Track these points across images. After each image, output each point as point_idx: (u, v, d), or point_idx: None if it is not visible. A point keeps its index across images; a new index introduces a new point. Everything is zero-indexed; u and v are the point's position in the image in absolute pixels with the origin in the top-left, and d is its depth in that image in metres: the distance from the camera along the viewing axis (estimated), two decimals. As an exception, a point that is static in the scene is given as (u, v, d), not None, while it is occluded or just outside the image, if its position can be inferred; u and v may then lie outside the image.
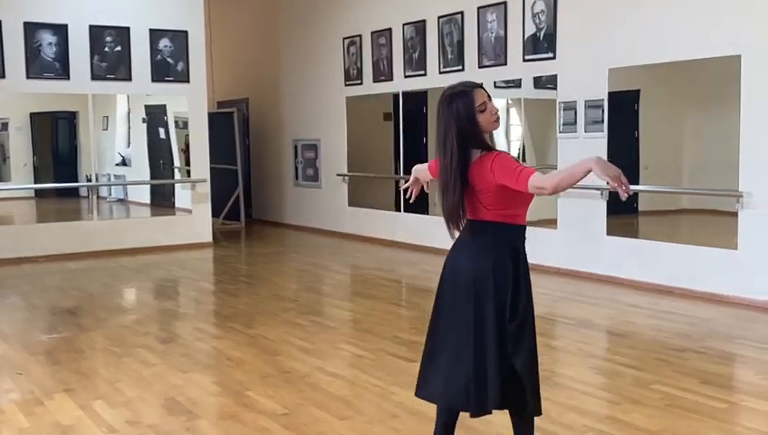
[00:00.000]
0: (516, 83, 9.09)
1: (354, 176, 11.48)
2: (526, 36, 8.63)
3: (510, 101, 9.58)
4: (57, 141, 11.62)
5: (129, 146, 11.95)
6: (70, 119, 11.15)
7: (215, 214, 13.29)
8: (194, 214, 11.06)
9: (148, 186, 12.06)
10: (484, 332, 3.08)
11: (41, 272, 9.01)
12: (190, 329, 6.16)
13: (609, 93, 7.85)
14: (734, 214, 6.73)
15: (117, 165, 12.04)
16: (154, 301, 7.51)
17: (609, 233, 7.91)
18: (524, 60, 8.69)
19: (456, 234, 3.19)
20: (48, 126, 11.71)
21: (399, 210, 10.70)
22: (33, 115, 11.26)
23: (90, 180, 10.98)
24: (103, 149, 11.62)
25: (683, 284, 7.12)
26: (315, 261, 9.63)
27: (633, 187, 7.72)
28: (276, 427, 4.03)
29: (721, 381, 4.70)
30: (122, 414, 4.24)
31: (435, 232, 9.99)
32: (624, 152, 8.19)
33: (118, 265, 9.41)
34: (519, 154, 9.36)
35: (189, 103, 10.97)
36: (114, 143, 11.86)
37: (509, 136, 9.46)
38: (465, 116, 3.08)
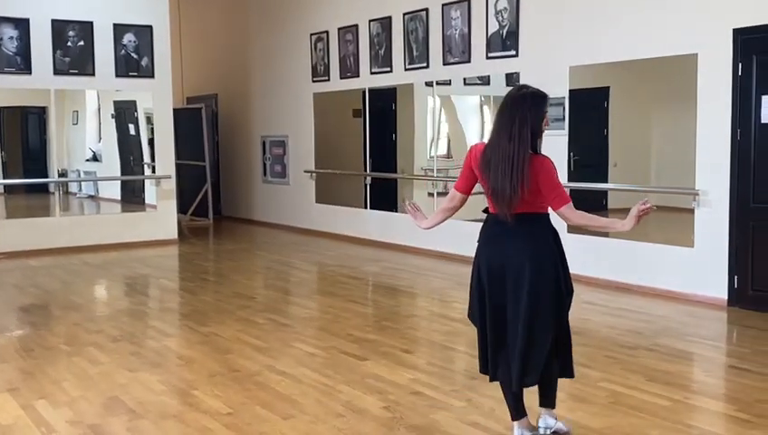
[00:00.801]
0: (485, 80, 9.09)
1: (322, 172, 11.44)
2: (490, 34, 8.63)
3: (482, 99, 9.58)
4: (27, 136, 11.46)
5: (99, 141, 11.81)
6: (39, 114, 10.98)
7: (183, 210, 13.23)
8: (159, 210, 10.97)
9: (119, 182, 11.90)
10: (548, 311, 3.57)
11: (2, 268, 8.89)
12: (143, 327, 6.10)
13: (579, 90, 7.87)
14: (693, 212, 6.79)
15: (87, 160, 11.90)
16: (111, 299, 7.45)
17: (569, 230, 7.92)
18: (488, 57, 8.69)
19: (507, 218, 3.51)
20: (17, 121, 11.54)
21: (366, 207, 10.68)
22: (1, 109, 11.09)
23: (62, 176, 10.91)
24: (73, 145, 11.51)
25: (640, 281, 7.16)
26: (280, 258, 9.59)
27: (601, 184, 7.79)
28: (218, 426, 4.00)
29: (667, 378, 4.72)
30: (64, 414, 4.19)
31: (400, 229, 10.03)
32: (593, 149, 8.21)
33: (80, 263, 9.32)
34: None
35: (154, 99, 10.87)
36: (85, 138, 11.72)
37: (483, 134, 9.43)
38: (538, 117, 3.49)
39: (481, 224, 3.74)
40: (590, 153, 8.25)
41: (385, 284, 8.13)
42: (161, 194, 10.97)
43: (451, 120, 10.02)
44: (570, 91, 7.84)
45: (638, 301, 6.82)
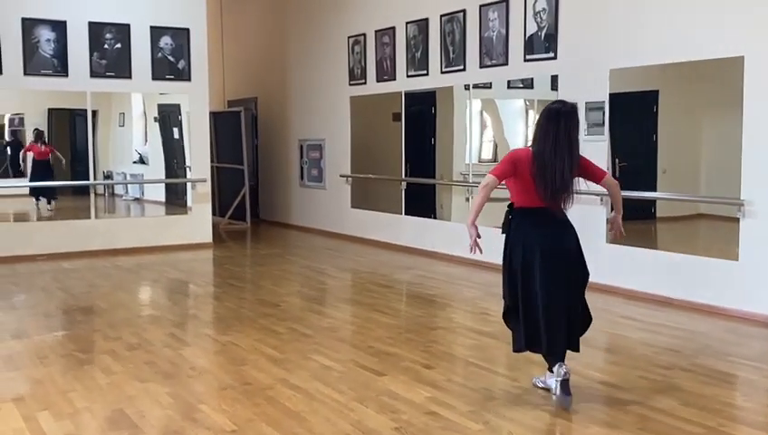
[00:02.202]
0: (528, 84, 8.79)
1: (357, 177, 11.27)
2: (528, 35, 8.35)
3: (528, 103, 9.25)
4: (75, 138, 11.49)
5: (145, 144, 11.81)
6: (86, 116, 11.01)
7: (222, 214, 13.21)
8: (194, 213, 10.93)
9: (163, 184, 11.84)
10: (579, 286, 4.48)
11: (34, 272, 8.92)
12: (162, 335, 5.98)
13: (625, 94, 7.55)
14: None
15: (134, 163, 11.91)
16: (135, 304, 7.36)
17: (608, 241, 7.60)
18: (525, 60, 8.41)
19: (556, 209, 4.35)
20: (66, 122, 11.59)
21: (402, 213, 10.46)
22: (50, 111, 11.13)
23: (107, 178, 10.95)
24: (119, 147, 11.53)
25: (681, 295, 6.81)
26: (312, 264, 9.44)
27: (646, 193, 7.41)
28: (219, 445, 3.84)
29: (703, 402, 4.40)
30: (64, 427, 4.06)
31: (435, 236, 9.80)
32: (642, 156, 7.85)
33: (112, 266, 9.30)
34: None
35: (190, 102, 10.83)
36: (131, 141, 11.73)
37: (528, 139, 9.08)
38: (578, 127, 4.35)
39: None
40: (639, 160, 7.89)
41: (414, 293, 7.91)
42: (197, 197, 10.92)
43: (495, 124, 9.71)
44: (615, 94, 7.51)
45: (678, 316, 6.47)
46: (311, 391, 4.63)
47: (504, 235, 4.53)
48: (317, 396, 4.54)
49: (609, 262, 7.55)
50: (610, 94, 7.51)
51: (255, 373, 4.96)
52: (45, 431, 4.01)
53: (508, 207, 4.50)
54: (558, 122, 4.23)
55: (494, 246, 8.95)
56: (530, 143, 4.45)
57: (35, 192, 10.88)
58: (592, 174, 4.46)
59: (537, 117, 4.55)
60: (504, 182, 4.40)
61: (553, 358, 4.37)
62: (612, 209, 4.70)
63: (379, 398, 4.49)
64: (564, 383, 4.31)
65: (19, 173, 10.95)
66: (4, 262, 9.37)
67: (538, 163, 4.25)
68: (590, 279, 4.59)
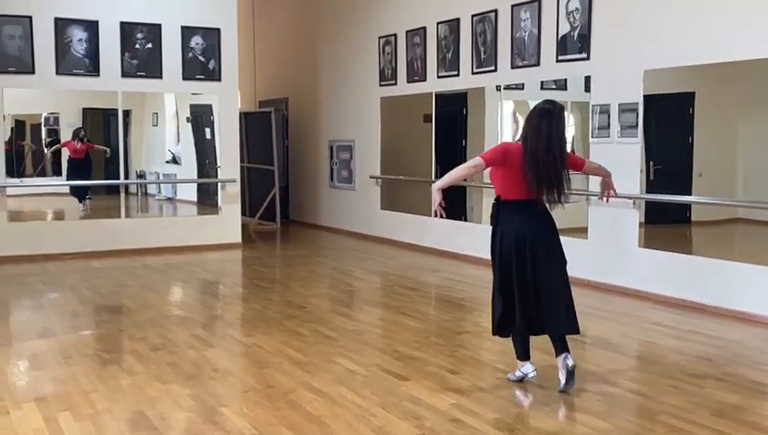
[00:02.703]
0: (561, 85, 8.64)
1: (387, 178, 11.20)
2: (560, 36, 8.22)
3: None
4: (109, 138, 11.56)
5: (178, 144, 11.85)
6: (123, 116, 11.07)
7: (251, 214, 13.22)
8: (223, 214, 10.93)
9: (195, 184, 11.87)
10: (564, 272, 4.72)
11: (63, 270, 8.97)
12: (186, 336, 5.95)
13: (660, 96, 7.39)
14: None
15: (167, 162, 11.96)
16: (162, 303, 7.34)
17: (644, 244, 7.44)
18: (558, 60, 8.27)
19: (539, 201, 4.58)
20: (100, 122, 11.66)
21: (430, 215, 10.36)
22: (85, 111, 11.21)
23: (140, 177, 11.02)
24: (152, 147, 11.59)
25: (714, 301, 6.63)
26: (339, 266, 9.38)
27: (681, 197, 7.23)
28: (238, 449, 3.78)
29: (735, 414, 4.25)
30: (84, 429, 4.04)
31: (465, 238, 9.69)
32: (677, 158, 7.67)
33: (141, 265, 9.33)
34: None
35: (220, 102, 10.83)
36: (164, 140, 11.79)
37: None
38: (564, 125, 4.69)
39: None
40: (674, 162, 7.72)
41: (442, 296, 7.81)
42: (226, 197, 10.93)
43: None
44: (649, 96, 7.34)
45: (711, 323, 6.30)
46: (333, 395, 4.57)
47: (493, 226, 4.72)
48: (339, 401, 4.47)
49: (639, 266, 7.40)
50: (645, 96, 7.35)
51: (278, 376, 4.91)
52: (65, 432, 3.98)
53: (495, 200, 4.71)
54: (550, 121, 4.47)
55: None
56: (517, 139, 4.77)
57: (71, 191, 10.94)
58: (575, 164, 4.77)
59: (527, 115, 4.68)
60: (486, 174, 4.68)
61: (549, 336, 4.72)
62: (602, 183, 4.99)
63: (402, 403, 4.41)
64: (571, 374, 4.52)
65: (57, 172, 11.06)
66: (35, 260, 9.45)
67: (530, 159, 4.45)
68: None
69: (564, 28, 8.16)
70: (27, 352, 5.54)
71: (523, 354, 4.76)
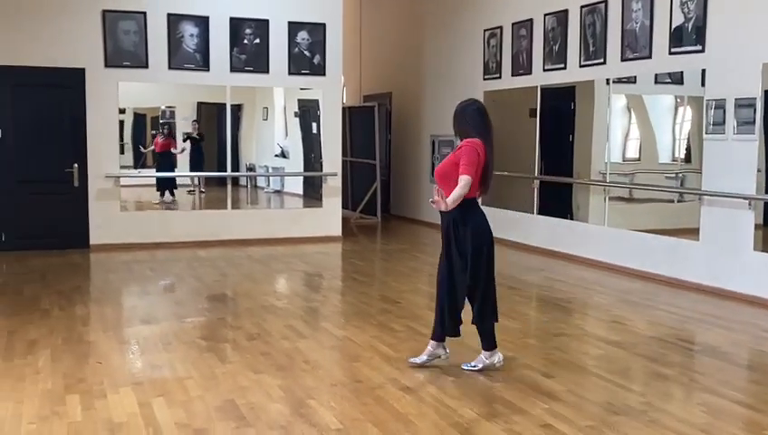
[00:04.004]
0: (676, 79, 8.25)
1: (489, 174, 11.00)
2: (673, 27, 7.84)
3: (678, 100, 8.64)
4: (222, 131, 11.87)
5: (286, 138, 12.05)
6: (234, 110, 11.36)
7: (353, 208, 13.29)
8: (325, 207, 11.03)
9: (301, 178, 12.00)
10: None
11: (171, 259, 9.25)
12: (281, 326, 6.00)
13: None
14: None
15: (276, 156, 12.18)
16: (260, 293, 7.44)
17: (760, 248, 7.02)
18: (671, 53, 7.90)
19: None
20: (214, 116, 11.98)
21: (534, 212, 10.13)
22: (200, 105, 11.54)
23: (250, 170, 11.26)
24: (262, 140, 11.82)
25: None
26: (437, 261, 9.23)
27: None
28: (322, 444, 3.76)
29: None
30: (176, 415, 4.11)
31: (569, 237, 9.41)
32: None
33: (244, 256, 9.51)
34: (685, 155, 8.39)
35: (324, 96, 10.92)
36: (273, 135, 12.01)
37: (678, 134, 8.51)
38: None
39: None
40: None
41: (541, 296, 7.60)
42: (327, 191, 11.02)
43: (641, 121, 9.16)
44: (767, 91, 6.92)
45: (834, 335, 5.87)
46: (421, 393, 4.49)
47: (460, 225, 4.74)
48: (426, 399, 4.39)
49: (754, 270, 6.98)
50: (765, 90, 6.91)
51: (367, 371, 4.87)
52: (157, 418, 4.07)
53: (471, 198, 4.76)
54: (488, 118, 4.82)
55: (627, 250, 8.48)
56: (459, 139, 4.87)
57: (159, 184, 11.12)
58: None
59: (468, 115, 4.82)
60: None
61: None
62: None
63: (491, 405, 4.29)
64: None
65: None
66: (145, 248, 9.79)
67: (489, 155, 4.72)
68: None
69: (678, 19, 7.78)
70: (130, 338, 5.72)
71: (494, 342, 4.94)
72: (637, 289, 7.60)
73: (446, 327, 4.88)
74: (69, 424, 3.96)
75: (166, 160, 10.90)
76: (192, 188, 11.39)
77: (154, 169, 11.00)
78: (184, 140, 10.96)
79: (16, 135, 9.51)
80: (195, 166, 11.17)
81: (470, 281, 4.77)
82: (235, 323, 6.14)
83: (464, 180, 4.57)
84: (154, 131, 10.89)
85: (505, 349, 5.41)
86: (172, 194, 11.05)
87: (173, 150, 10.82)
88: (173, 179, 11.07)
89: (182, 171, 11.05)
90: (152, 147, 10.82)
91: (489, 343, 4.91)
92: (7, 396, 4.37)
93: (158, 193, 10.93)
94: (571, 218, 9.66)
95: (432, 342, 4.97)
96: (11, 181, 9.49)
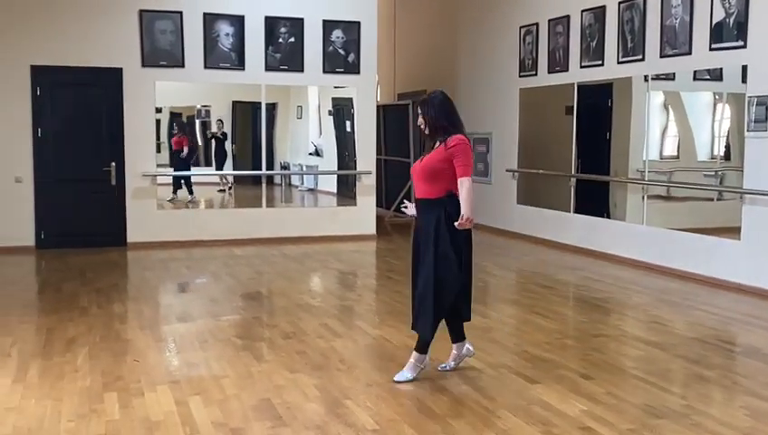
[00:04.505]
0: (716, 75, 8.10)
1: (524, 172, 10.93)
2: (714, 22, 7.69)
3: (716, 96, 8.48)
4: (256, 130, 11.94)
5: (320, 136, 12.07)
6: (269, 109, 11.39)
7: (387, 206, 13.27)
8: (359, 206, 11.02)
9: (335, 176, 12.00)
10: None
11: (207, 256, 9.31)
12: (316, 325, 6.00)
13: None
14: None
15: (310, 154, 12.22)
16: (295, 292, 7.44)
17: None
18: (711, 48, 7.76)
19: None
20: (248, 115, 12.03)
21: (571, 211, 10.02)
22: (234, 103, 11.59)
23: (284, 169, 11.29)
24: (296, 139, 11.85)
25: None
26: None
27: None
28: (359, 444, 3.74)
29: None
30: (212, 413, 4.12)
31: (606, 236, 9.29)
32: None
33: (279, 254, 9.54)
34: (724, 152, 8.24)
35: (358, 95, 10.91)
36: (307, 133, 12.04)
37: (717, 131, 8.36)
38: None
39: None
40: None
41: (578, 295, 7.51)
42: (361, 189, 11.01)
43: (679, 118, 9.01)
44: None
45: None
46: (458, 394, 4.45)
47: (449, 222, 4.49)
48: (464, 400, 4.35)
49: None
50: (809, 86, 6.77)
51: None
52: (194, 416, 4.08)
53: (448, 196, 4.53)
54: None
55: (667, 249, 8.34)
56: (426, 132, 4.64)
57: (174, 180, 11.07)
58: None
59: (443, 106, 4.58)
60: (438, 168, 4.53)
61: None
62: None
63: (529, 407, 4.23)
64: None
65: (207, 162, 11.45)
66: (181, 246, 9.86)
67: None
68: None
69: (719, 14, 7.63)
70: (167, 336, 5.76)
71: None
72: (675, 289, 7.48)
73: (430, 331, 4.62)
74: (107, 422, 3.98)
75: (178, 159, 10.93)
76: (222, 187, 11.44)
77: (197, 168, 11.09)
78: (209, 139, 11.01)
79: (55, 134, 9.64)
80: (219, 164, 11.21)
81: (465, 277, 4.64)
82: (271, 322, 6.15)
83: (468, 183, 4.47)
84: (174, 130, 10.94)
85: (542, 349, 5.37)
86: (191, 192, 11.02)
87: (183, 150, 10.82)
88: (187, 177, 11.09)
89: (209, 170, 11.10)
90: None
91: (461, 335, 4.88)
92: (47, 394, 4.41)
93: (172, 190, 10.89)
94: (608, 217, 9.54)
95: (419, 355, 4.69)
96: (50, 180, 9.62)
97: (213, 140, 11.07)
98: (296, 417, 4.09)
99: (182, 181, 10.86)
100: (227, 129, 11.22)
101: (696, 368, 5.00)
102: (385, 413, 4.15)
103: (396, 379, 4.63)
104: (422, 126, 4.63)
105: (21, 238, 9.56)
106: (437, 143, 4.58)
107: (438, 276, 4.54)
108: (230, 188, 11.43)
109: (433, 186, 4.53)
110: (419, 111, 4.65)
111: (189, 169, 11.00)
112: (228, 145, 11.23)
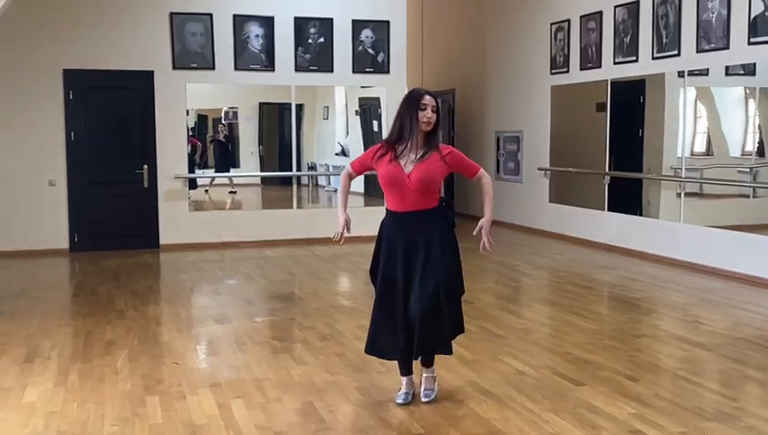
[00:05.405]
0: (749, 70, 7.96)
1: (557, 171, 10.82)
2: (753, 16, 7.55)
3: (748, 91, 8.33)
4: (283, 131, 11.91)
5: (347, 136, 12.04)
6: (296, 109, 11.35)
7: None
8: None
9: (362, 176, 11.90)
10: None
11: (239, 258, 9.31)
12: (353, 326, 5.96)
13: None
14: None
15: (336, 154, 12.19)
16: (329, 293, 7.41)
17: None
18: (750, 43, 7.61)
19: None
20: (275, 116, 12.02)
21: (604, 209, 9.90)
22: (261, 105, 11.59)
23: (311, 169, 11.27)
24: (323, 139, 11.83)
25: None
26: (506, 260, 9.13)
27: None
28: (405, 449, 3.69)
29: None
30: (255, 417, 4.09)
31: (640, 234, 9.17)
32: None
33: (311, 255, 9.52)
34: (758, 148, 8.08)
35: (387, 94, 10.84)
36: (334, 133, 12.01)
37: (751, 127, 8.20)
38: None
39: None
40: None
41: (616, 295, 7.40)
42: (389, 189, 10.91)
43: (710, 114, 8.86)
44: None
45: None
46: (502, 397, 4.38)
47: (452, 228, 4.42)
48: (509, 403, 4.28)
49: None
50: None
51: (444, 373, 4.77)
52: (237, 420, 4.05)
53: (443, 203, 4.41)
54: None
55: (705, 246, 8.20)
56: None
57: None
58: None
59: (399, 106, 4.28)
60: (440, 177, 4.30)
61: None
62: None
63: (576, 410, 4.16)
64: None
65: (235, 164, 11.43)
66: (213, 248, 9.88)
67: None
68: None
69: (758, 8, 7.49)
70: (204, 338, 5.75)
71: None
72: (715, 287, 7.35)
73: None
74: (150, 426, 3.96)
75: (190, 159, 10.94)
76: (232, 189, 11.41)
77: (213, 170, 11.09)
78: (210, 142, 11.01)
79: (88, 137, 9.69)
80: (220, 167, 11.18)
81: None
82: (307, 323, 6.11)
83: (488, 182, 4.56)
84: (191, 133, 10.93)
85: (584, 350, 5.28)
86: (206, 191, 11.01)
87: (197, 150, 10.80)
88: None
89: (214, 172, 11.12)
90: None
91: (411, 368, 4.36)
92: (89, 397, 4.40)
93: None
94: (641, 215, 9.42)
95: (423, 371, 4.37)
96: (83, 183, 9.67)
97: (214, 143, 11.04)
98: (340, 421, 4.05)
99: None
100: (254, 131, 11.19)
101: (743, 369, 4.89)
102: (429, 417, 4.09)
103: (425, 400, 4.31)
104: (429, 120, 4.14)
105: (55, 241, 9.63)
106: (427, 152, 4.17)
107: (457, 287, 4.39)
108: (233, 190, 11.36)
109: (430, 196, 4.22)
110: (434, 105, 4.20)
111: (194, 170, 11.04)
112: (230, 148, 11.20)
